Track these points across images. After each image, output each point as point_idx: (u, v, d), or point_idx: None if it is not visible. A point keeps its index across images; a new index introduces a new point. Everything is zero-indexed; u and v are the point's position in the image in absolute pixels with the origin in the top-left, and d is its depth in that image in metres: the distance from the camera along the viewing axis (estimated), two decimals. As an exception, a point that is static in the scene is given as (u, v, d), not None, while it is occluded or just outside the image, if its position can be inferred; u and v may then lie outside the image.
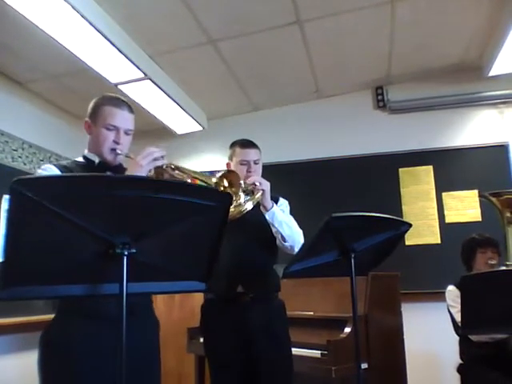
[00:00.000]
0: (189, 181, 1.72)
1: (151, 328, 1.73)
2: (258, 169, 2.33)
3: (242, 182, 2.17)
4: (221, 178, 1.78)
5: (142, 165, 1.57)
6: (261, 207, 2.16)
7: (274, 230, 2.16)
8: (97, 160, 1.74)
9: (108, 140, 1.71)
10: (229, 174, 1.83)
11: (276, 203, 2.31)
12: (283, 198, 2.43)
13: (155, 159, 1.61)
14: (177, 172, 1.72)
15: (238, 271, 2.19)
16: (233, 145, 2.38)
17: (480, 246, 2.94)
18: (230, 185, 1.81)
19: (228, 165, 2.37)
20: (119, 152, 1.72)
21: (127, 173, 1.62)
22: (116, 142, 1.71)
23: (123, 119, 1.74)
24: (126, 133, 1.75)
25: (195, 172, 1.76)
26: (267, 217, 2.15)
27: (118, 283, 1.15)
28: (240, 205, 2.06)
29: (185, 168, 1.74)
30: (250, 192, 2.10)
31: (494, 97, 4.34)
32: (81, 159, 1.78)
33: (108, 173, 1.72)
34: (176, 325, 3.81)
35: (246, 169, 2.28)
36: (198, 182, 1.75)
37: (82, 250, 1.15)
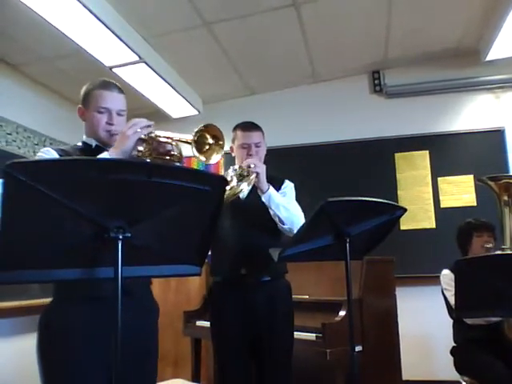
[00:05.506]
0: (174, 144, 1.68)
1: (149, 310, 1.73)
2: (261, 151, 2.32)
3: (236, 166, 2.17)
4: (201, 133, 1.64)
5: (128, 135, 1.57)
6: (258, 190, 2.17)
7: (271, 212, 2.16)
8: (94, 144, 1.76)
9: (101, 122, 1.73)
10: (207, 128, 1.66)
11: (281, 185, 2.33)
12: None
13: (142, 129, 1.61)
14: (163, 139, 1.68)
15: (241, 254, 2.21)
16: (235, 128, 2.37)
17: (476, 230, 2.95)
18: (216, 139, 1.68)
19: (231, 148, 2.38)
20: (114, 132, 1.72)
21: (115, 145, 1.62)
22: (109, 124, 1.73)
23: (113, 100, 1.75)
24: (119, 113, 1.76)
25: (178, 135, 1.68)
26: (263, 199, 2.15)
27: (113, 267, 1.15)
28: (233, 187, 2.06)
29: (169, 133, 1.70)
30: (245, 175, 2.10)
31: (491, 81, 4.33)
32: (80, 144, 1.81)
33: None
34: (172, 309, 3.82)
35: (246, 152, 2.28)
36: (180, 144, 1.68)
37: (77, 235, 1.15)
